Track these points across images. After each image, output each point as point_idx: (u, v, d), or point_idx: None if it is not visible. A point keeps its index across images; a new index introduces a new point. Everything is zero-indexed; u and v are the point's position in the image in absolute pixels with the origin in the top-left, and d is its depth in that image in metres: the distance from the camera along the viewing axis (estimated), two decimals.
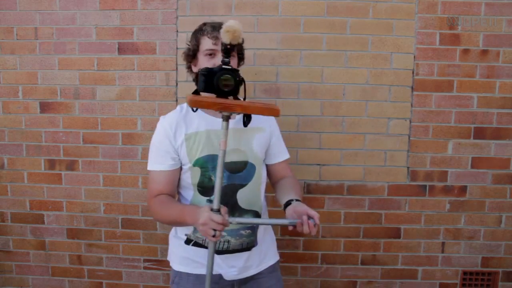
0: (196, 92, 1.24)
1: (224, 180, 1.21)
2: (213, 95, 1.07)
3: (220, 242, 1.26)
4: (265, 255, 1.38)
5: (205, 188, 1.25)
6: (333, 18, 1.86)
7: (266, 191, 1.39)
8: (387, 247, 2.00)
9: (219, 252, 1.27)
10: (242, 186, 1.26)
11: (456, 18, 1.85)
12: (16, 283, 2.13)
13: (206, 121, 1.26)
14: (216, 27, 1.20)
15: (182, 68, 1.91)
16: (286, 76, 1.89)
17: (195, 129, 1.25)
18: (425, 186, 1.95)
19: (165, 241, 2.04)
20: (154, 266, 2.06)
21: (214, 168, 1.20)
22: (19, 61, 1.96)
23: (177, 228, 1.37)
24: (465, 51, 1.87)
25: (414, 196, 1.96)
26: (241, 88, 1.12)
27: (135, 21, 1.91)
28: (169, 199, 1.24)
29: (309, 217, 1.05)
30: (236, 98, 1.19)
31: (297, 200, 1.18)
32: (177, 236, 1.37)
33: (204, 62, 1.23)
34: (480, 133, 1.91)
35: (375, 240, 1.99)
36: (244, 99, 1.18)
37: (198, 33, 1.26)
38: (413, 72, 1.89)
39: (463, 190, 1.95)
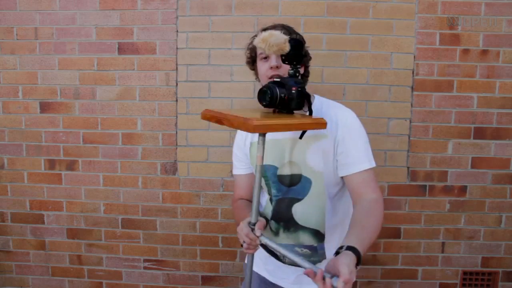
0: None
1: (277, 193, 1.18)
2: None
3: (278, 255, 1.23)
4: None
5: (270, 198, 1.22)
6: (333, 18, 1.86)
7: None
8: (387, 247, 2.00)
9: (279, 259, 1.24)
10: (298, 200, 1.16)
11: (456, 18, 1.85)
12: (16, 283, 2.13)
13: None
14: (267, 29, 1.13)
15: (182, 68, 1.92)
16: None
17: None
18: (425, 186, 1.95)
19: (165, 241, 2.05)
20: (154, 266, 2.06)
21: (269, 178, 1.18)
22: (19, 61, 1.96)
23: None
24: (465, 51, 1.87)
25: (414, 196, 1.96)
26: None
27: (135, 21, 1.91)
28: (243, 206, 1.24)
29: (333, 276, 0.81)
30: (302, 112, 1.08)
31: (348, 247, 0.88)
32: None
33: (260, 65, 1.18)
34: (480, 133, 1.91)
35: (375, 240, 1.99)
36: (310, 113, 1.05)
37: (253, 39, 1.18)
38: (413, 72, 1.89)
39: (463, 190, 1.95)
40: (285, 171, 1.16)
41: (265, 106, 1.00)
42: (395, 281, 2.02)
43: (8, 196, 2.06)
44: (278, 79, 1.01)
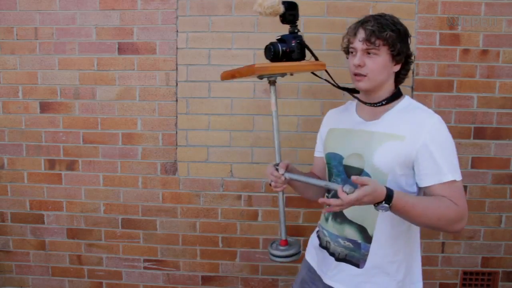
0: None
1: (341, 183, 1.05)
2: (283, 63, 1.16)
3: (323, 240, 1.24)
4: (364, 283, 1.12)
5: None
6: (333, 18, 1.86)
7: None
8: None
9: (323, 247, 1.24)
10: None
11: (456, 18, 1.85)
12: (16, 283, 2.13)
13: (351, 121, 1.21)
14: (360, 21, 1.11)
15: (182, 68, 1.92)
16: (286, 76, 1.89)
17: (339, 125, 1.25)
18: None
19: (165, 241, 2.05)
20: (154, 266, 2.06)
21: (335, 166, 1.19)
22: (19, 61, 1.96)
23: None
24: (465, 51, 1.87)
25: None
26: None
27: (135, 21, 1.91)
28: (311, 173, 1.36)
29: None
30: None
31: (388, 189, 0.92)
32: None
33: (349, 59, 1.18)
34: (480, 133, 1.91)
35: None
36: (316, 59, 1.21)
37: (348, 30, 1.17)
38: (413, 72, 1.89)
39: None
40: (350, 162, 1.14)
41: (271, 60, 1.12)
42: None
43: (8, 196, 2.06)
44: (279, 37, 1.15)
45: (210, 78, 1.92)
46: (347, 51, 1.19)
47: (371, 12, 1.85)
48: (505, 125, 1.90)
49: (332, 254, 1.19)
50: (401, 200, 0.93)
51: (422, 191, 1.08)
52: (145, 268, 2.07)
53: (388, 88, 1.16)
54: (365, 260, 1.11)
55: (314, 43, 1.85)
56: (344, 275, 1.16)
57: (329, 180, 1.23)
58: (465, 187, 1.94)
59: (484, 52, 1.86)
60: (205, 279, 2.06)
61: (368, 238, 1.11)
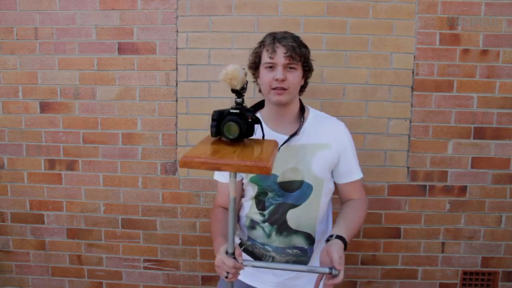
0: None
1: (278, 198, 1.20)
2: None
3: (265, 256, 1.25)
4: (314, 278, 1.19)
5: (260, 202, 1.24)
6: (333, 18, 1.86)
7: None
8: (387, 247, 2.00)
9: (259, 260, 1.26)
10: (294, 206, 1.21)
11: (456, 18, 1.85)
12: (16, 283, 2.13)
13: (273, 138, 1.18)
14: (276, 38, 1.15)
15: (182, 68, 1.92)
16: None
17: None
18: (425, 186, 1.95)
19: (165, 241, 2.05)
20: (154, 266, 2.07)
21: (269, 186, 1.20)
22: (19, 61, 1.96)
23: (237, 231, 1.35)
24: (465, 51, 1.87)
25: (414, 196, 1.96)
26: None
27: (135, 21, 1.91)
28: (221, 217, 1.23)
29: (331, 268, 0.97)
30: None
31: (337, 236, 1.06)
32: (237, 235, 1.35)
33: (264, 74, 1.17)
34: (480, 133, 1.91)
35: (375, 240, 1.99)
36: (263, 137, 1.12)
37: (260, 45, 1.21)
38: (413, 72, 1.89)
39: (463, 190, 1.95)
40: (287, 177, 1.19)
41: (232, 140, 0.98)
42: (395, 281, 2.02)
43: (8, 196, 2.06)
44: (236, 110, 0.99)
45: (210, 78, 1.92)
46: (257, 65, 1.21)
47: (371, 12, 1.85)
48: (505, 125, 1.90)
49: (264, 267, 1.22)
50: (350, 238, 1.11)
51: (338, 186, 1.27)
52: (145, 268, 2.07)
53: (297, 101, 1.25)
54: (310, 260, 1.25)
55: (314, 43, 1.86)
56: (296, 280, 1.25)
57: (263, 199, 1.22)
58: (465, 187, 1.94)
59: (484, 52, 1.86)
60: (205, 279, 2.06)
61: (312, 241, 1.24)
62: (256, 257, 1.27)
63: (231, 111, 1.00)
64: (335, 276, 0.96)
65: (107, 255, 2.07)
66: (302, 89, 1.26)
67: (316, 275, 1.09)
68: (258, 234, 1.25)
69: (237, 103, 1.01)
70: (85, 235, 2.06)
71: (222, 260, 1.00)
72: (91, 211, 2.04)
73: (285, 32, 1.19)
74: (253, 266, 1.06)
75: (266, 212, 1.23)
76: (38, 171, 2.03)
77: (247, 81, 0.99)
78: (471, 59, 1.87)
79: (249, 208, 1.28)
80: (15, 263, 2.11)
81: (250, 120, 1.00)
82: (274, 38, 1.15)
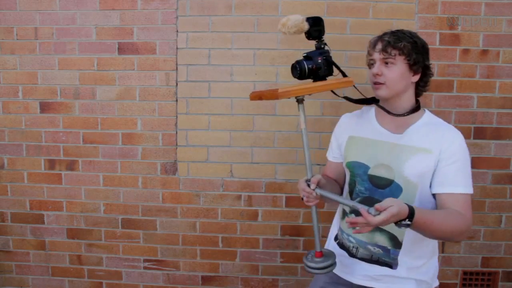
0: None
1: (365, 192, 1.20)
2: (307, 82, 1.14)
3: (351, 247, 1.25)
4: (401, 283, 1.20)
5: (351, 191, 1.25)
6: (333, 18, 1.86)
7: None
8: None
9: (351, 255, 1.26)
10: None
11: (456, 18, 1.85)
12: (16, 283, 2.13)
13: (373, 131, 1.23)
14: (383, 34, 1.18)
15: (182, 68, 1.92)
16: (286, 76, 1.89)
17: (359, 133, 1.26)
18: None
19: (165, 241, 2.05)
20: (154, 266, 2.07)
21: (359, 175, 1.21)
22: (19, 61, 1.96)
23: (333, 226, 1.39)
24: (465, 51, 1.87)
25: None
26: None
27: (135, 21, 1.91)
28: (326, 180, 1.26)
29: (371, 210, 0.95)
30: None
31: (409, 206, 0.97)
32: (332, 231, 1.40)
33: (369, 71, 1.22)
34: (480, 133, 1.91)
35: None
36: (343, 75, 1.19)
37: (369, 44, 1.24)
38: None
39: None
40: (378, 172, 1.18)
41: (298, 78, 1.11)
42: None
43: (8, 196, 2.06)
44: (305, 54, 1.12)
45: (210, 78, 1.92)
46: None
47: (371, 12, 1.85)
48: (505, 125, 1.90)
49: (361, 258, 1.23)
50: (421, 217, 0.98)
51: (436, 199, 1.15)
52: (145, 268, 2.07)
53: (408, 99, 1.20)
54: (397, 264, 1.19)
55: (314, 43, 1.86)
56: (378, 273, 1.21)
57: (353, 189, 1.24)
58: None
59: (484, 52, 1.86)
60: (205, 279, 2.06)
61: (398, 244, 1.17)
62: (346, 249, 1.27)
63: (303, 54, 1.14)
64: (369, 214, 0.92)
65: (107, 255, 2.07)
66: (419, 87, 1.21)
67: (408, 281, 1.16)
68: (345, 224, 1.26)
69: (316, 48, 1.15)
70: (85, 235, 2.06)
71: (299, 183, 1.14)
72: (91, 211, 2.04)
73: (392, 30, 1.19)
74: (320, 194, 1.11)
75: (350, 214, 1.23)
76: (38, 171, 2.03)
77: (318, 29, 1.13)
78: (471, 59, 1.87)
79: (344, 195, 1.31)
80: (15, 263, 2.11)
81: (320, 60, 1.11)
82: (380, 35, 1.19)
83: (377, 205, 0.93)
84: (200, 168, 1.98)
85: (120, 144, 1.99)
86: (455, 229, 1.05)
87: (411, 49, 1.14)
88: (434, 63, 1.87)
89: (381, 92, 1.17)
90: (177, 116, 1.96)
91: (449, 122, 1.89)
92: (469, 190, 1.15)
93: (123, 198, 2.02)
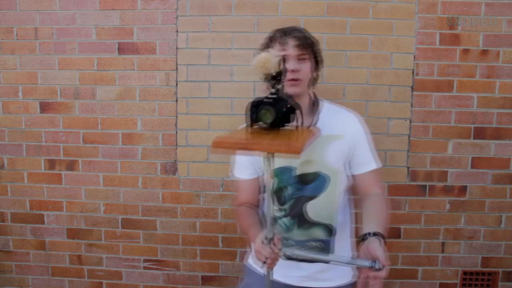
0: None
1: (296, 192, 1.22)
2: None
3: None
4: (341, 271, 1.27)
5: (279, 197, 1.25)
6: (333, 18, 1.86)
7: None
8: (387, 247, 1.99)
9: (288, 257, 1.23)
10: (312, 198, 1.22)
11: (456, 18, 1.85)
12: (16, 283, 2.13)
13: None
14: (285, 31, 1.18)
15: (182, 68, 1.92)
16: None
17: None
18: (425, 186, 1.95)
19: (165, 241, 2.05)
20: (154, 266, 2.07)
21: (288, 179, 1.22)
22: (19, 61, 1.96)
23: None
24: (465, 51, 1.87)
25: (414, 196, 1.96)
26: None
27: (135, 21, 1.91)
28: (247, 212, 1.26)
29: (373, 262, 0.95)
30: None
31: (374, 234, 1.04)
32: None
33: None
34: (480, 133, 1.91)
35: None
36: (297, 127, 1.03)
37: (270, 40, 1.21)
38: (413, 72, 1.89)
39: (463, 190, 1.95)
40: (303, 169, 1.20)
41: (268, 126, 0.97)
42: (395, 281, 2.02)
43: (8, 196, 2.06)
44: (270, 99, 0.98)
45: (210, 78, 1.92)
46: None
47: (371, 12, 1.85)
48: (505, 125, 1.90)
49: (301, 260, 1.20)
50: (384, 232, 1.08)
51: (354, 178, 1.26)
52: (145, 268, 2.07)
53: (308, 93, 1.26)
54: (332, 252, 1.25)
55: None
56: (317, 270, 1.24)
57: (281, 194, 1.23)
58: (465, 187, 1.94)
59: (484, 52, 1.86)
60: (205, 279, 2.06)
61: (330, 232, 1.24)
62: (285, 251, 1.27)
63: (269, 96, 1.00)
64: (378, 271, 0.93)
65: (107, 255, 2.07)
66: (314, 81, 1.27)
67: (344, 268, 1.19)
68: (279, 229, 1.26)
69: (274, 91, 1.01)
70: (85, 235, 2.06)
71: (260, 246, 1.03)
72: (91, 211, 2.04)
73: (293, 26, 1.22)
74: (290, 256, 1.04)
75: (285, 207, 1.24)
76: (38, 171, 2.03)
77: (285, 69, 1.00)
78: (471, 59, 1.87)
79: (268, 204, 1.28)
80: (15, 263, 2.11)
81: (285, 108, 0.98)
82: (284, 32, 1.18)
83: (381, 260, 0.95)
84: (200, 168, 1.98)
85: (120, 144, 1.99)
86: (388, 214, 1.18)
87: (317, 45, 1.23)
88: (434, 63, 1.88)
89: (297, 89, 1.17)
90: (177, 116, 1.96)
91: (449, 122, 1.92)
92: (379, 163, 1.27)
93: (123, 198, 2.02)
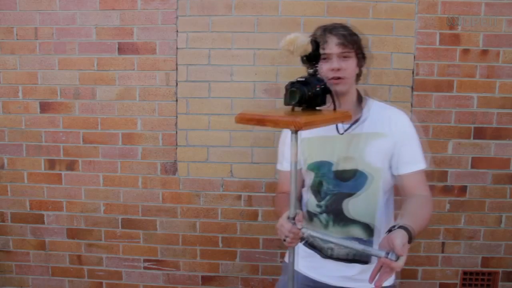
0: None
1: (333, 189, 1.21)
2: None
3: (324, 248, 1.24)
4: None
5: (317, 193, 1.24)
6: (333, 18, 1.85)
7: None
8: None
9: (326, 256, 1.25)
10: (350, 195, 1.19)
11: (456, 18, 1.85)
12: (16, 283, 2.13)
13: (326, 127, 1.17)
14: (327, 29, 1.16)
15: (182, 68, 1.92)
16: (286, 76, 1.89)
17: (312, 134, 1.22)
18: None
19: (165, 241, 2.05)
20: (154, 266, 2.07)
21: (325, 174, 1.21)
22: (19, 61, 1.96)
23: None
24: (465, 51, 1.87)
25: None
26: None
27: (135, 21, 1.91)
28: (284, 198, 1.23)
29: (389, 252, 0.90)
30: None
31: (400, 227, 0.98)
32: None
33: (321, 66, 1.15)
34: (480, 133, 1.91)
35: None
36: (334, 108, 1.06)
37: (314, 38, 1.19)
38: (413, 72, 1.89)
39: (463, 190, 1.95)
40: (342, 166, 1.19)
41: (294, 105, 0.99)
42: (395, 281, 2.02)
43: (8, 196, 2.06)
44: (303, 79, 1.01)
45: (210, 78, 1.92)
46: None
47: (371, 12, 1.85)
48: (505, 125, 1.90)
49: (337, 259, 1.22)
50: (415, 229, 1.00)
51: (398, 178, 1.22)
52: (145, 268, 2.07)
53: (355, 90, 1.25)
54: (370, 257, 1.19)
55: None
56: (355, 273, 1.22)
57: (319, 189, 1.22)
58: (465, 187, 1.94)
59: (484, 52, 1.86)
60: (205, 279, 2.06)
61: (371, 232, 1.20)
62: (317, 249, 1.27)
63: (298, 79, 1.01)
64: (392, 261, 0.88)
65: (107, 255, 2.07)
66: (358, 77, 1.26)
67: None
68: (316, 225, 1.25)
69: (312, 71, 1.02)
70: (85, 235, 2.06)
71: (281, 223, 1.02)
72: (91, 211, 2.04)
73: (335, 23, 1.20)
74: (308, 235, 1.03)
75: (322, 203, 1.23)
76: (38, 171, 2.03)
77: (318, 53, 0.99)
78: (471, 59, 1.87)
79: (307, 199, 1.29)
80: (15, 263, 2.11)
81: (318, 88, 0.99)
82: (325, 30, 1.17)
83: (397, 250, 0.89)
84: (200, 168, 1.98)
85: (120, 144, 1.99)
86: (429, 217, 1.17)
87: (361, 43, 1.21)
88: (434, 63, 1.88)
89: (342, 87, 1.18)
90: (177, 116, 1.96)
91: (449, 122, 1.92)
92: (426, 163, 1.24)
93: (123, 198, 2.02)
